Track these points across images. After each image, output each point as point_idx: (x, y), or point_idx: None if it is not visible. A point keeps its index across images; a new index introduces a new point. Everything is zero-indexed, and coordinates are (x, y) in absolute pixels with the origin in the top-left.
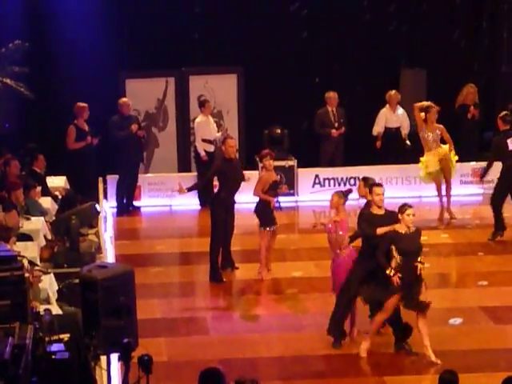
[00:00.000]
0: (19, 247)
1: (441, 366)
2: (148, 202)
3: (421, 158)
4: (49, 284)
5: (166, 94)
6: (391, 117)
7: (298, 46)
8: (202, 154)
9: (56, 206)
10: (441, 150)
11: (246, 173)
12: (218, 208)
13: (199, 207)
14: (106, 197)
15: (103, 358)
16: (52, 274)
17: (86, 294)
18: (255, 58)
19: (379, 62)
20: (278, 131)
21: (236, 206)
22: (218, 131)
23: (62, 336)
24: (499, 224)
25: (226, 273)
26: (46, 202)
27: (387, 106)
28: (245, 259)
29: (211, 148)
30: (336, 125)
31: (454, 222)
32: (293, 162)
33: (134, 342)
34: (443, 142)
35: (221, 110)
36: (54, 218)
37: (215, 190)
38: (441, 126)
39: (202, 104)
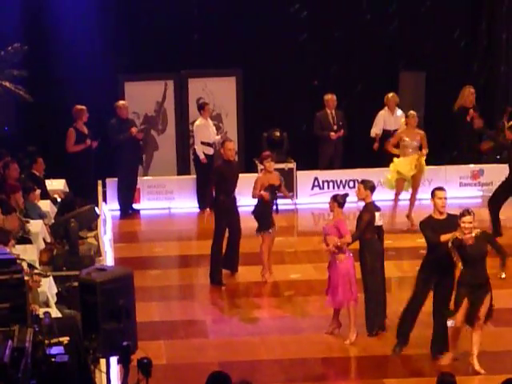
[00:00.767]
0: (18, 250)
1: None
2: (147, 205)
3: (394, 160)
4: (48, 287)
5: (165, 96)
6: (389, 119)
7: (297, 48)
8: (202, 156)
9: (55, 209)
10: (417, 156)
11: (246, 176)
12: (219, 211)
13: (198, 210)
14: (105, 200)
15: (103, 361)
16: (51, 277)
17: (85, 296)
18: (254, 61)
19: (378, 65)
20: (277, 134)
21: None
22: (217, 134)
23: (61, 339)
24: (495, 228)
25: (226, 275)
26: (45, 205)
27: (385, 108)
28: (244, 262)
29: (210, 151)
30: (335, 127)
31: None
32: (292, 165)
33: (133, 344)
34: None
35: (220, 113)
36: (53, 220)
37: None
38: (422, 132)
39: (201, 107)
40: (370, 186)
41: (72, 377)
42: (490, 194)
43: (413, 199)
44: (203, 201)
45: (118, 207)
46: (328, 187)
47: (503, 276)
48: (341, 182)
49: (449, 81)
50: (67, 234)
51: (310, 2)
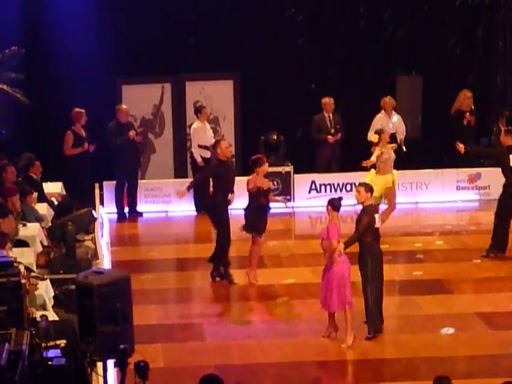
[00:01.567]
0: (15, 253)
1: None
2: (144, 208)
3: (370, 174)
4: (45, 290)
5: (162, 99)
6: (386, 123)
7: (295, 52)
8: (199, 159)
9: (52, 212)
10: (390, 177)
11: (243, 179)
12: (220, 210)
13: (195, 213)
14: (102, 203)
15: (99, 364)
16: (48, 280)
17: (82, 300)
18: (251, 64)
19: (376, 69)
20: (275, 137)
21: (230, 212)
22: (215, 137)
23: (58, 342)
24: (498, 242)
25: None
26: (43, 208)
27: (382, 111)
28: (241, 265)
29: (207, 154)
30: (332, 131)
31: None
32: (289, 168)
33: (130, 348)
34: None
35: (217, 116)
36: (50, 224)
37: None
38: (392, 145)
39: (199, 110)
40: (369, 189)
41: (69, 380)
42: (487, 198)
43: (387, 215)
44: (200, 204)
45: (116, 210)
46: (325, 190)
47: None
48: (338, 185)
49: (446, 85)
50: (64, 237)
51: (307, 7)
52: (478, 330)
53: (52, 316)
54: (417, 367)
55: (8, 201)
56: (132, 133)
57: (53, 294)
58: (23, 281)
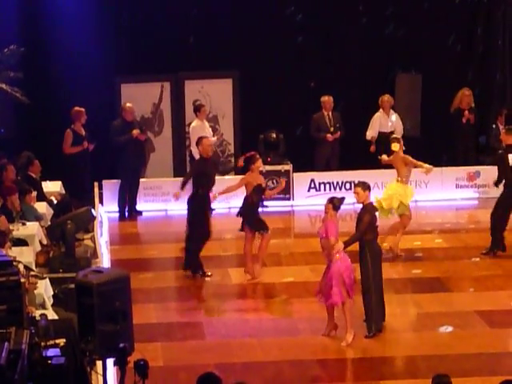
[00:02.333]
0: (15, 252)
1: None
2: (144, 207)
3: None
4: (44, 289)
5: (161, 98)
6: (385, 121)
7: (294, 50)
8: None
9: (51, 211)
10: (408, 190)
11: (240, 177)
12: (198, 207)
13: None
14: (101, 202)
15: (99, 363)
16: (48, 279)
17: (81, 298)
18: (251, 63)
19: (375, 67)
20: (274, 136)
21: (229, 210)
22: (214, 136)
23: (57, 341)
24: (496, 242)
25: (219, 274)
26: (42, 207)
27: (381, 110)
28: (239, 264)
29: None
30: (331, 129)
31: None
32: (288, 167)
33: (129, 346)
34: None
35: (216, 115)
36: (49, 222)
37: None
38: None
39: (198, 108)
40: (367, 187)
41: (68, 379)
42: (486, 196)
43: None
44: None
45: (118, 209)
46: (324, 189)
47: None
48: (337, 183)
49: (445, 83)
50: (63, 235)
51: (306, 5)
52: (477, 328)
53: (51, 315)
54: (416, 365)
55: (7, 200)
56: (135, 131)
57: (52, 292)
58: (22, 280)
